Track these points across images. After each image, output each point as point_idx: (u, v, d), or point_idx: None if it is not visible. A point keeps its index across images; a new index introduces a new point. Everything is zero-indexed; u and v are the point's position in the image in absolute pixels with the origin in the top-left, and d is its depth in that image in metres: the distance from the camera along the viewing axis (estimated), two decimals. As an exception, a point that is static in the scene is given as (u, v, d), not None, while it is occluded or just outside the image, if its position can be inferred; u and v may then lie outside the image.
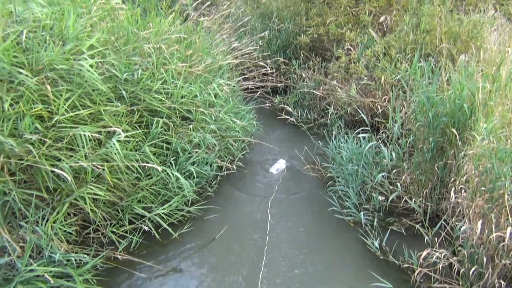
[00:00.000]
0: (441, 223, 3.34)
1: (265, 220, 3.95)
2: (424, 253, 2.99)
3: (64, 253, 2.92)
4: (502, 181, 2.63)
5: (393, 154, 3.97)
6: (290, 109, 6.12)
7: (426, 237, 3.38)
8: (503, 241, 2.68)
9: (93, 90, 3.40)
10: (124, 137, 3.39)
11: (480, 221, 2.70)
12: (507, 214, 2.61)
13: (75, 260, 2.91)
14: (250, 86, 6.50)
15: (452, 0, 5.64)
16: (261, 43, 7.19)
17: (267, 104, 6.41)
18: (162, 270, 3.25)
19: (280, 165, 4.94)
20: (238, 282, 3.20)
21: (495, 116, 3.07)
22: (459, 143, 3.49)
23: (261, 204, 4.20)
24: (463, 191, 3.20)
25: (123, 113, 3.57)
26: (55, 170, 2.75)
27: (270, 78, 6.83)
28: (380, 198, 4.01)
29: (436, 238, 3.25)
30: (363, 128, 4.40)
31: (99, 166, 3.03)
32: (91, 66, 3.30)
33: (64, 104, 2.98)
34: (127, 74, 3.70)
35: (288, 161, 5.01)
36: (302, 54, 6.68)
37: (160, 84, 3.93)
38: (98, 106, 3.36)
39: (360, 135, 4.36)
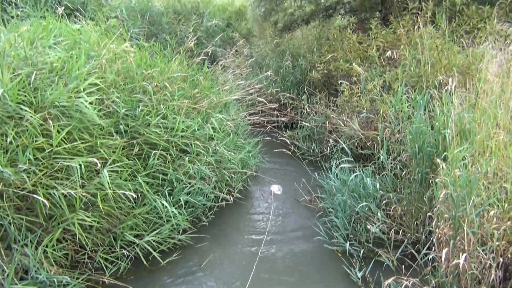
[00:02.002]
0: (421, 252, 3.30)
1: (256, 250, 4.04)
2: (389, 280, 2.97)
3: (53, 275, 3.15)
4: (463, 207, 2.62)
5: (377, 184, 3.98)
6: (298, 143, 6.27)
7: (388, 262, 3.33)
8: (475, 269, 2.64)
9: (94, 125, 3.72)
10: (119, 167, 3.69)
11: (445, 249, 2.68)
12: (470, 241, 2.58)
13: (61, 282, 3.12)
14: (261, 121, 6.73)
15: (454, 31, 5.69)
16: (275, 79, 7.49)
17: (276, 137, 6.58)
18: (146, 295, 3.40)
19: (275, 189, 5.09)
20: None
21: (468, 144, 3.07)
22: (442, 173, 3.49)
23: (254, 235, 4.30)
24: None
25: (122, 146, 3.85)
26: (39, 198, 3.01)
27: (281, 113, 7.03)
28: (373, 229, 4.00)
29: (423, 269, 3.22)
30: (348, 159, 4.46)
31: (85, 194, 3.27)
32: (91, 103, 3.63)
33: (59, 137, 3.27)
34: (126, 110, 4.01)
35: (287, 192, 5.10)
36: (312, 90, 6.87)
37: (159, 119, 4.22)
38: (96, 139, 3.67)
39: (344, 165, 4.43)
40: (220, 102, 5.34)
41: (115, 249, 3.65)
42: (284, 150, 5.93)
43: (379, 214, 3.86)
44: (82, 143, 3.54)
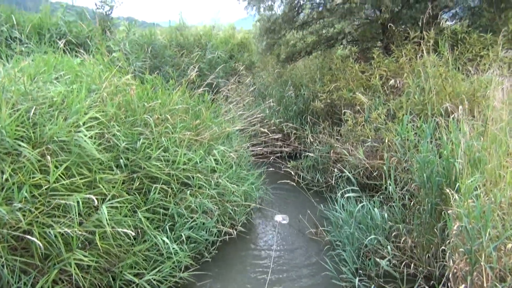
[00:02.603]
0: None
1: (261, 285, 3.86)
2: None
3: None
4: (479, 241, 2.48)
5: (386, 215, 3.84)
6: (302, 174, 6.16)
7: None
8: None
9: (93, 160, 3.64)
10: (119, 202, 3.58)
11: (463, 286, 2.52)
12: (488, 277, 2.43)
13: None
14: (264, 151, 6.65)
15: (457, 59, 5.67)
16: (278, 109, 7.46)
17: (280, 168, 6.47)
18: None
19: (280, 219, 4.99)
20: None
21: (480, 173, 2.95)
22: (454, 204, 3.36)
23: (259, 270, 4.13)
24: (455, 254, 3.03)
25: (122, 180, 3.76)
26: (33, 239, 2.89)
27: (284, 143, 6.95)
28: (383, 263, 3.83)
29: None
30: (353, 188, 4.33)
31: (83, 233, 3.15)
32: (91, 137, 3.57)
33: (56, 173, 3.19)
34: (126, 143, 3.94)
35: (292, 225, 4.96)
36: (316, 119, 6.82)
37: (160, 152, 4.14)
38: (95, 174, 3.58)
39: (350, 195, 4.29)
40: (223, 133, 5.27)
41: (113, 289, 3.49)
42: (288, 181, 5.81)
43: (389, 247, 3.69)
44: (80, 178, 3.44)
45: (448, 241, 3.08)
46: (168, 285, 3.71)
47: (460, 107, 4.45)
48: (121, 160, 3.86)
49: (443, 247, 3.02)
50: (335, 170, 5.47)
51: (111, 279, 3.50)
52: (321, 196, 5.57)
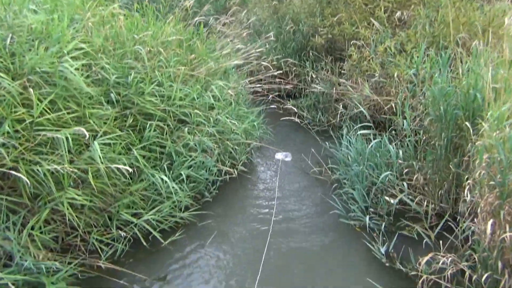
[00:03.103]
0: (447, 225, 2.97)
1: (265, 224, 3.71)
2: (426, 257, 2.64)
3: (41, 262, 2.79)
4: (512, 173, 2.27)
5: (401, 152, 3.61)
6: (303, 113, 5.88)
7: (426, 239, 2.99)
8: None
9: (81, 93, 3.31)
10: (111, 139, 3.30)
11: (491, 221, 2.34)
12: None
13: (50, 268, 2.77)
14: (262, 90, 6.33)
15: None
16: (275, 46, 7.03)
17: (279, 107, 6.18)
18: (146, 279, 3.05)
19: (284, 156, 4.85)
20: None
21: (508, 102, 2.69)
22: (473, 137, 3.14)
23: (262, 208, 3.96)
24: (476, 189, 2.84)
25: (114, 117, 3.45)
26: (19, 175, 2.63)
27: (283, 81, 6.60)
28: (392, 201, 3.67)
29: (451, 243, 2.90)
30: (365, 124, 4.08)
31: (74, 170, 2.89)
32: (76, 69, 3.21)
33: (40, 106, 2.86)
34: (116, 76, 3.59)
35: (294, 164, 4.76)
36: (315, 56, 6.43)
37: (154, 87, 3.81)
38: (84, 109, 3.26)
39: (362, 131, 4.04)
40: (220, 69, 4.91)
41: (111, 230, 3.29)
42: (289, 119, 5.55)
43: (404, 184, 3.50)
44: (68, 113, 3.13)
45: (475, 173, 2.88)
46: (168, 225, 3.53)
47: (476, 39, 4.13)
48: (112, 95, 3.53)
49: (468, 182, 2.79)
50: (340, 107, 5.19)
51: (107, 219, 3.30)
52: (322, 136, 5.33)
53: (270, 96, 6.21)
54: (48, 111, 2.98)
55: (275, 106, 6.04)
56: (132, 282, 3.03)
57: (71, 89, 3.25)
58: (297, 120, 5.63)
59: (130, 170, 3.01)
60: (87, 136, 2.79)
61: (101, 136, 3.14)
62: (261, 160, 4.95)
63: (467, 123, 3.16)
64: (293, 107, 5.74)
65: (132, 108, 3.75)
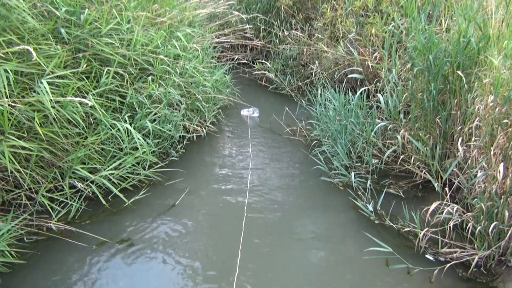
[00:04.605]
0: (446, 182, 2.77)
1: (240, 184, 3.35)
2: (433, 206, 2.41)
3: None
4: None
5: (390, 103, 3.37)
6: (271, 76, 5.53)
7: (436, 185, 2.77)
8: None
9: (24, 26, 2.77)
10: (61, 82, 2.79)
11: (502, 164, 2.12)
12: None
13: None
14: (228, 52, 5.93)
15: None
16: (238, 8, 6.58)
17: (245, 71, 5.81)
18: (107, 241, 2.61)
19: (251, 112, 4.59)
20: (200, 255, 2.59)
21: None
22: (466, 86, 2.94)
23: (236, 168, 3.60)
24: (473, 138, 2.64)
25: (65, 59, 2.92)
26: None
27: (249, 43, 6.20)
28: (374, 160, 3.44)
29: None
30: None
31: (17, 105, 2.37)
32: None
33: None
34: (66, 11, 3.04)
35: (266, 126, 4.43)
36: (284, 17, 6.07)
37: (112, 27, 3.29)
38: (28, 45, 2.71)
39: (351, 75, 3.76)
40: (185, 18, 4.43)
41: (62, 188, 2.80)
42: (256, 83, 5.19)
43: (399, 137, 3.25)
44: (8, 47, 2.58)
45: (464, 127, 2.68)
46: (131, 184, 3.08)
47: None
48: (62, 30, 2.99)
49: (456, 135, 2.58)
50: (315, 67, 4.89)
51: (58, 175, 2.80)
52: (293, 99, 5.04)
53: (236, 57, 5.81)
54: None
55: (241, 70, 5.68)
56: (91, 244, 2.57)
57: (13, 20, 2.70)
58: (264, 84, 5.30)
59: (89, 102, 2.50)
60: (35, 56, 2.27)
61: (48, 75, 2.62)
62: (230, 120, 4.56)
63: (459, 72, 2.96)
64: (261, 70, 5.39)
65: (87, 51, 3.23)
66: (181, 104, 3.72)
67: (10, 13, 2.71)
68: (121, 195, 2.91)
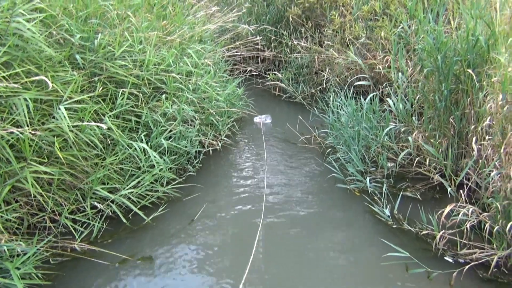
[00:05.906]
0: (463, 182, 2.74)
1: (257, 195, 3.39)
2: (448, 208, 2.40)
3: (3, 244, 2.38)
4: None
5: (401, 106, 3.36)
6: (283, 85, 5.59)
7: (449, 189, 2.75)
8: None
9: (41, 55, 2.89)
10: (79, 103, 2.90)
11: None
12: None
13: (14, 250, 2.36)
14: (241, 59, 6.03)
15: None
16: (248, 20, 6.67)
17: (257, 82, 5.88)
18: (129, 259, 2.68)
19: (264, 119, 4.71)
20: (221, 270, 2.63)
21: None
22: (477, 84, 2.92)
23: (252, 179, 3.65)
24: (486, 137, 2.62)
25: (81, 84, 3.03)
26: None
27: (261, 53, 6.28)
28: (389, 164, 3.43)
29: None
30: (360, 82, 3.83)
31: (37, 133, 2.48)
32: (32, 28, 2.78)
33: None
34: (81, 37, 3.16)
35: (280, 135, 4.47)
36: (294, 26, 6.13)
37: (125, 49, 3.40)
38: (45, 72, 2.83)
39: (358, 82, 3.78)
40: (195, 35, 4.52)
41: (84, 209, 2.89)
42: (269, 93, 5.24)
43: (410, 139, 3.24)
44: (27, 77, 2.70)
45: (477, 126, 2.66)
46: (150, 201, 3.15)
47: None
48: (77, 56, 3.10)
49: (470, 134, 2.56)
50: (326, 73, 4.92)
51: (79, 196, 2.89)
52: (306, 107, 5.07)
53: (248, 69, 5.89)
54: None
55: (254, 81, 5.75)
56: (114, 262, 2.65)
57: (30, 50, 2.83)
58: (278, 93, 5.35)
59: (104, 126, 2.60)
60: (51, 86, 2.38)
61: (65, 100, 2.72)
62: (244, 132, 4.62)
63: (469, 70, 2.94)
64: (274, 81, 5.46)
65: (102, 74, 3.34)
66: (196, 119, 3.80)
67: (27, 44, 2.84)
68: (140, 213, 2.99)
